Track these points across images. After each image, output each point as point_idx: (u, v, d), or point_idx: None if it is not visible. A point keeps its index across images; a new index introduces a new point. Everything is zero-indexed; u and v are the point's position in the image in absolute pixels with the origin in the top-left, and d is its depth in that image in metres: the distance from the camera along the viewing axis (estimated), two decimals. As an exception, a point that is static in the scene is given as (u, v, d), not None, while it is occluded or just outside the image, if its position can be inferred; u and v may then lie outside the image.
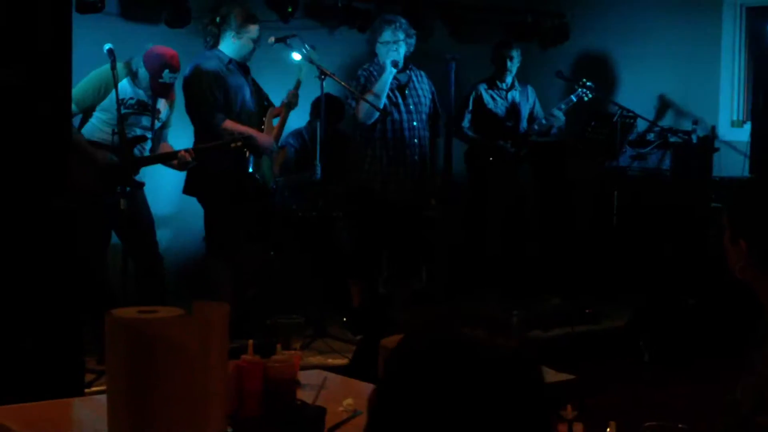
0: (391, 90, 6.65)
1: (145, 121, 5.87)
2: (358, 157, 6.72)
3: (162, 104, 5.95)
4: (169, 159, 5.93)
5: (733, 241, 2.26)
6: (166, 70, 5.75)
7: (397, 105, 6.68)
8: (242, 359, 2.72)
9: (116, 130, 5.47)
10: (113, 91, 5.52)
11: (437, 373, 1.41)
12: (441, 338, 1.45)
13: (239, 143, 5.94)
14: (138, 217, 5.87)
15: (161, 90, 5.81)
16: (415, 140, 6.72)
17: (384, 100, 6.56)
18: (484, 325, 1.44)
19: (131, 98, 5.75)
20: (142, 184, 5.84)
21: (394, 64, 6.56)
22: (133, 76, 5.76)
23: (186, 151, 5.88)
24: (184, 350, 2.26)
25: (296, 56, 6.36)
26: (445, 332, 1.45)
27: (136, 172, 5.78)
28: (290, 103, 6.45)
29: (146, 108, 5.86)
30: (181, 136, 6.22)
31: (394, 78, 6.66)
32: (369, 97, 6.51)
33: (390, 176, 6.67)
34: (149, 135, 5.88)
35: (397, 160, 6.68)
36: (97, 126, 5.74)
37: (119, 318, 2.29)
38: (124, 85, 5.73)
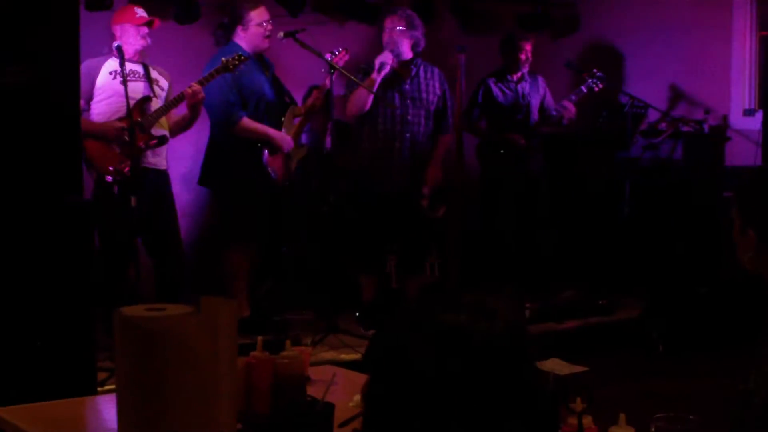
0: (390, 82, 6.61)
1: (145, 88, 5.87)
2: (356, 149, 6.72)
3: (156, 74, 5.96)
4: (177, 103, 5.86)
5: (743, 231, 2.25)
6: (134, 8, 5.84)
7: (392, 98, 6.62)
8: (251, 356, 2.71)
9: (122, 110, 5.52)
10: (99, 73, 5.72)
11: (420, 359, 1.41)
12: (423, 324, 1.45)
13: (238, 62, 5.88)
14: (157, 211, 5.85)
15: (146, 23, 5.82)
16: (407, 134, 6.64)
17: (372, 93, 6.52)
18: (468, 310, 1.44)
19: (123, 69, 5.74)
20: (163, 139, 5.80)
21: (381, 67, 6.46)
22: (118, 51, 5.69)
23: (189, 87, 5.80)
24: (193, 347, 2.26)
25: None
26: (427, 318, 1.45)
27: (147, 129, 5.76)
28: (314, 105, 6.44)
29: (140, 75, 5.87)
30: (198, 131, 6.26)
31: (395, 71, 6.61)
32: (367, 83, 6.48)
33: (377, 169, 6.64)
34: (150, 98, 5.89)
35: (384, 153, 6.63)
36: (100, 109, 5.77)
37: (127, 316, 2.28)
38: (112, 63, 5.75)
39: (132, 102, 5.58)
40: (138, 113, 5.69)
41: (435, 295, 1.51)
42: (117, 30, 5.83)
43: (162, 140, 5.80)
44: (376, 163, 6.63)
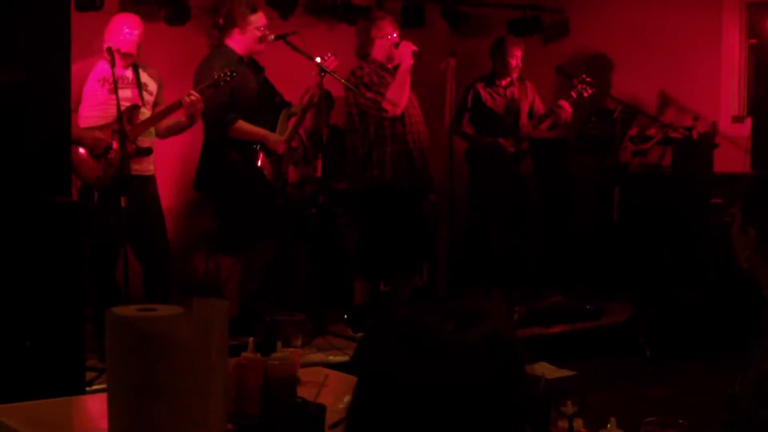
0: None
1: (133, 96, 5.86)
2: (370, 155, 6.66)
3: (146, 78, 5.95)
4: (174, 110, 5.86)
5: (743, 229, 2.28)
6: (124, 27, 5.79)
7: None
8: (242, 357, 2.72)
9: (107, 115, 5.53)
10: (87, 78, 5.72)
11: (402, 364, 1.42)
12: (406, 331, 1.46)
13: (229, 78, 5.88)
14: (144, 215, 5.85)
15: (125, 45, 5.79)
16: (415, 135, 6.64)
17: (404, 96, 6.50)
18: (455, 318, 1.44)
19: (110, 75, 5.73)
20: (148, 150, 5.82)
21: (415, 54, 6.48)
22: (109, 53, 5.68)
23: (188, 95, 5.81)
24: (184, 348, 2.26)
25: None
26: (412, 324, 1.46)
27: (133, 139, 5.77)
28: (309, 104, 6.42)
29: (129, 81, 5.86)
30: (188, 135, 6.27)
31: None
32: (390, 97, 6.45)
33: (402, 170, 6.63)
34: (141, 104, 5.89)
35: (408, 153, 6.64)
36: (88, 114, 5.77)
37: (118, 316, 2.28)
38: (101, 68, 5.75)
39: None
40: (125, 123, 5.69)
41: (421, 301, 1.52)
42: (107, 39, 5.81)
43: (147, 151, 5.84)
44: (393, 166, 6.60)
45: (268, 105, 6.37)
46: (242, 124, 6.14)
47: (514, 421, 1.44)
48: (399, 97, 6.45)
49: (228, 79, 5.88)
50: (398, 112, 6.47)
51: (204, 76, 6.06)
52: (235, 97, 6.14)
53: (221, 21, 6.33)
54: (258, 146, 6.20)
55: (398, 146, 6.59)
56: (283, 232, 6.65)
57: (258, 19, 6.25)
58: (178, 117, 5.94)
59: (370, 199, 6.66)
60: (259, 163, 6.20)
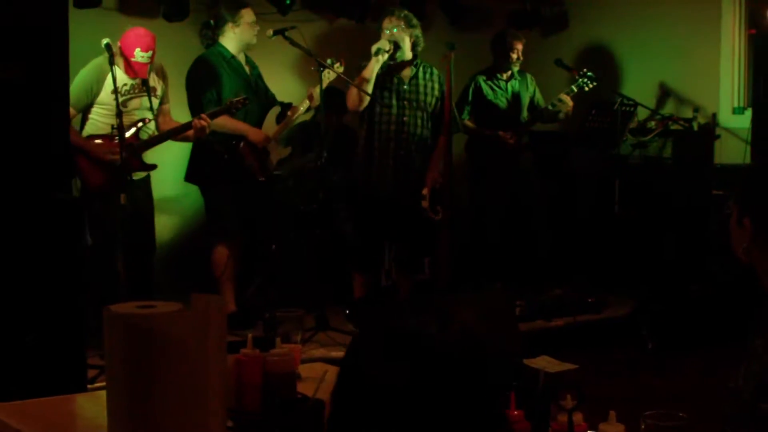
0: (389, 82, 6.60)
1: (147, 102, 5.88)
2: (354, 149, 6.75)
3: (154, 80, 5.96)
4: (183, 131, 5.95)
5: (739, 221, 2.27)
6: (137, 49, 5.77)
7: (389, 98, 6.62)
8: (242, 353, 2.71)
9: (116, 124, 5.53)
10: (102, 88, 5.71)
11: (380, 361, 1.43)
12: (386, 329, 1.47)
13: (241, 104, 6.02)
14: (140, 211, 5.91)
15: (134, 69, 5.81)
16: (403, 135, 6.63)
17: (371, 87, 6.51)
18: (433, 318, 1.46)
19: (124, 84, 5.76)
20: (153, 167, 5.88)
21: (376, 51, 6.50)
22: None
23: (198, 118, 5.91)
24: (183, 345, 2.26)
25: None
26: (392, 323, 1.48)
27: (139, 154, 5.81)
28: (309, 106, 6.49)
29: (140, 89, 5.87)
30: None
31: (396, 69, 6.62)
32: (363, 74, 6.50)
33: (374, 168, 6.64)
34: (151, 115, 5.90)
35: (380, 153, 6.62)
36: (99, 120, 5.79)
37: (117, 313, 2.28)
38: (117, 75, 5.75)
39: (129, 120, 5.69)
40: (133, 137, 5.73)
41: (397, 300, 1.54)
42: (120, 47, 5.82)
43: (151, 167, 5.93)
44: (372, 163, 6.62)
45: (256, 103, 6.42)
46: (223, 119, 6.18)
47: (489, 412, 1.46)
48: (369, 77, 6.46)
49: (240, 106, 6.03)
50: (368, 89, 6.46)
51: (196, 79, 6.27)
52: (219, 92, 6.25)
53: (212, 21, 6.42)
54: (236, 141, 6.28)
55: (371, 142, 6.59)
56: (283, 227, 6.68)
57: (248, 12, 6.40)
58: (183, 133, 6.02)
59: (350, 191, 6.79)
60: (240, 156, 6.26)
